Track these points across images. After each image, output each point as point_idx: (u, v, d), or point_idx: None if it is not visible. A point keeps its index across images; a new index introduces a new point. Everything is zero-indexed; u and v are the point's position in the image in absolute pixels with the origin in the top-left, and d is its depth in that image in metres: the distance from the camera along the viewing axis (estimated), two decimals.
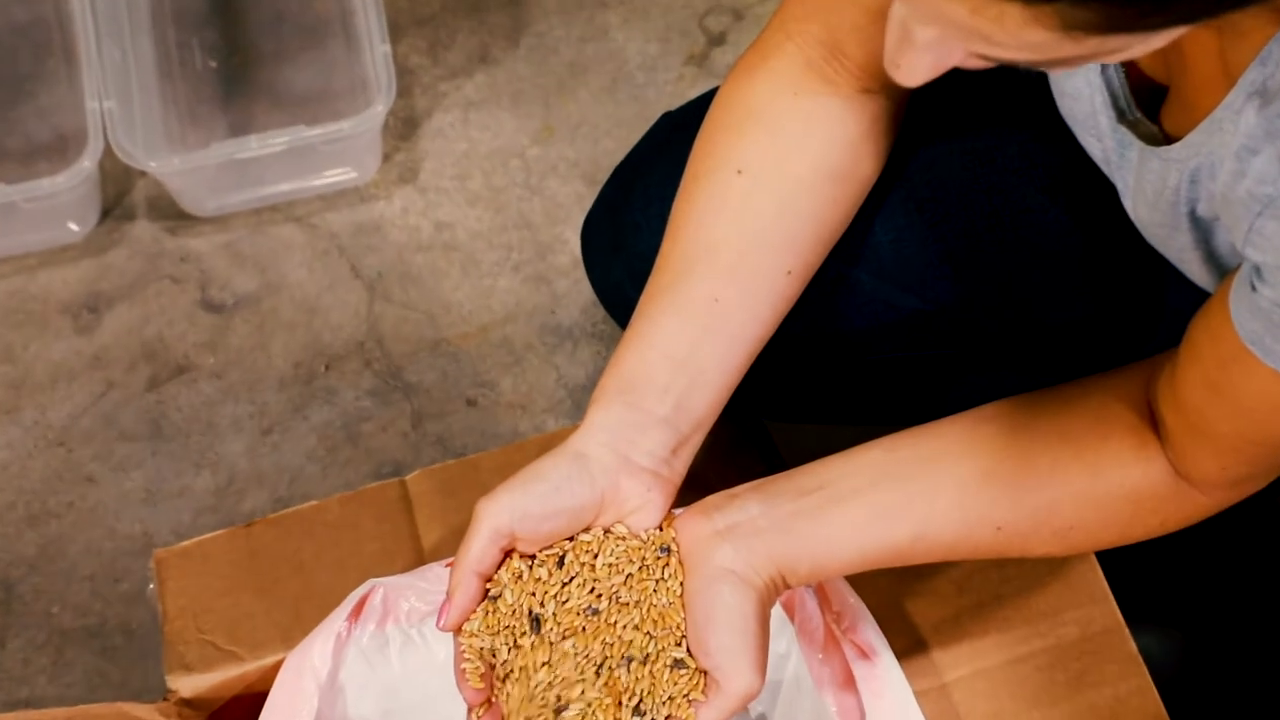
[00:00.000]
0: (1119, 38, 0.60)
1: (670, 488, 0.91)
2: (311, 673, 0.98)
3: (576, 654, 0.86)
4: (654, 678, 0.85)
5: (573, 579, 0.88)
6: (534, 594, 0.87)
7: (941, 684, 1.02)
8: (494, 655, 0.88)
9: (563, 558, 0.88)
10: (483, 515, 0.87)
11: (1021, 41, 0.60)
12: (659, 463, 0.90)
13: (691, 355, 0.91)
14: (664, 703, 0.85)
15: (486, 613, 0.88)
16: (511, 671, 0.87)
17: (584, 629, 0.86)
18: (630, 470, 0.89)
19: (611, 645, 0.86)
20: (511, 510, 0.87)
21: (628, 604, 0.87)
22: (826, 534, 0.89)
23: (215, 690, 1.05)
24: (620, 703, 0.85)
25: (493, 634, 0.88)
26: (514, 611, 0.87)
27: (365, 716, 1.01)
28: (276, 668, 1.00)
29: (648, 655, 0.86)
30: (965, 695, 1.01)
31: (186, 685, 1.05)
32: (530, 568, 0.88)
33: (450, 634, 0.90)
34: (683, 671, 0.85)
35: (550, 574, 0.88)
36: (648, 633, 0.86)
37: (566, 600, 0.87)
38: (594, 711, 0.85)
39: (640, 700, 0.85)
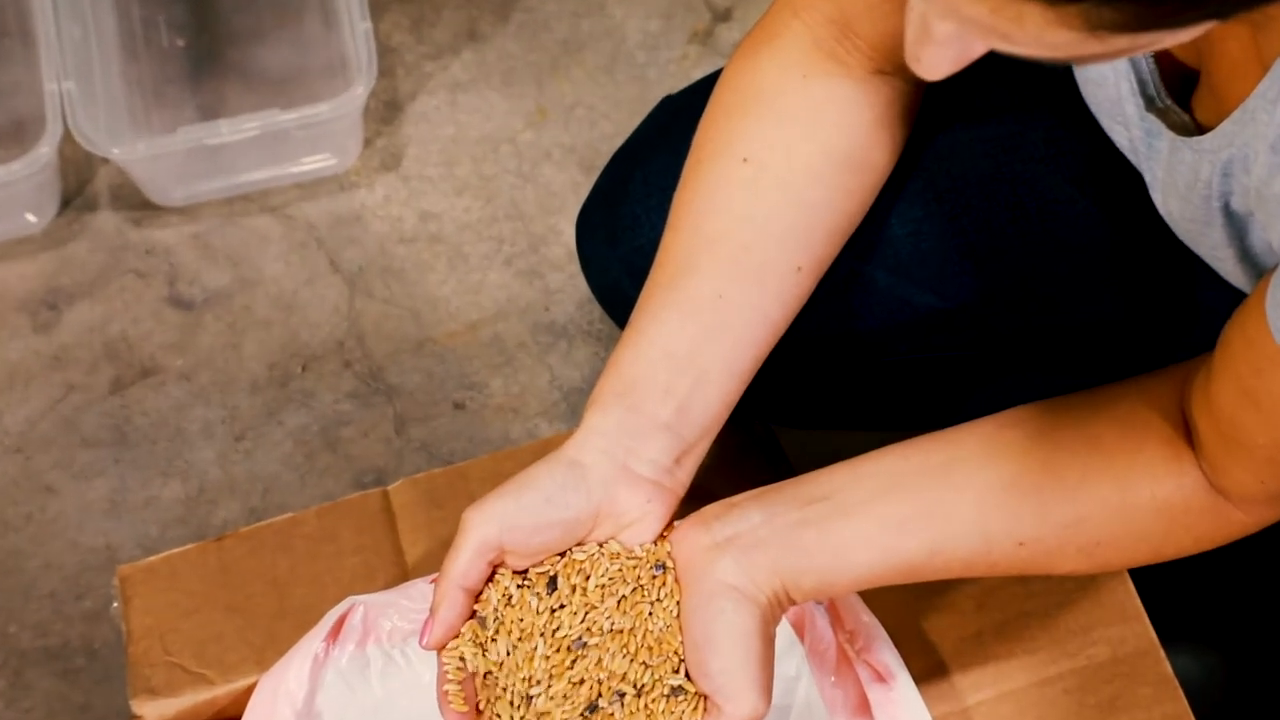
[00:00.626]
0: (1147, 35, 0.60)
1: (672, 499, 0.91)
2: (287, 697, 0.98)
3: (567, 698, 0.86)
4: (649, 710, 0.86)
5: (563, 606, 0.88)
6: (522, 629, 0.88)
7: (963, 708, 1.02)
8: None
9: (554, 579, 0.88)
10: (469, 526, 0.88)
11: (1043, 41, 0.61)
12: (661, 472, 0.90)
13: (695, 355, 0.91)
14: None
15: (475, 633, 0.88)
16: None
17: (574, 664, 0.87)
18: (629, 480, 0.89)
19: (603, 682, 0.87)
20: (500, 521, 0.87)
21: (621, 631, 0.88)
22: (834, 546, 0.89)
23: (183, 715, 1.05)
24: None
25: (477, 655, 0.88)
26: (505, 652, 0.88)
27: None
28: (249, 691, 1.01)
29: (642, 687, 0.86)
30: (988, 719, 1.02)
31: (152, 710, 1.05)
32: (520, 590, 0.88)
33: (434, 653, 0.90)
34: (681, 699, 0.86)
35: (540, 600, 0.88)
36: (643, 662, 0.87)
37: (558, 629, 0.88)
38: None
39: None
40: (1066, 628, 1.04)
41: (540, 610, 0.88)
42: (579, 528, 0.89)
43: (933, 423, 1.16)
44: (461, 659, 0.88)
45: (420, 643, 0.89)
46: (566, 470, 0.89)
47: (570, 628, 0.88)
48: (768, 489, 0.91)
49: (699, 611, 0.87)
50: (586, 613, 0.88)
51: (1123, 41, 0.60)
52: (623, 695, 0.86)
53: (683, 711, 0.86)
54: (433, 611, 0.88)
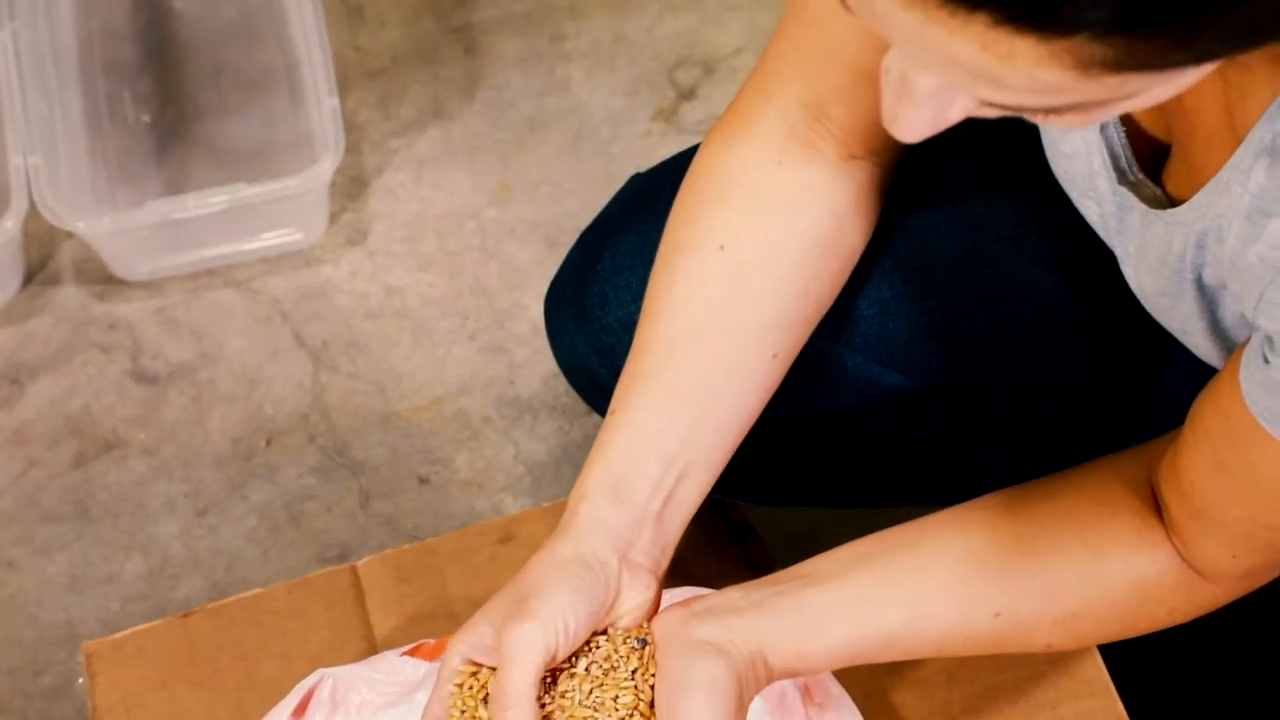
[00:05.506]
0: (1139, 78, 0.60)
1: (660, 586, 0.92)
2: None
3: None
4: None
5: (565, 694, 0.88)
6: None
7: None
8: None
9: (554, 672, 0.89)
10: (529, 641, 0.85)
11: (1033, 82, 0.60)
12: (652, 561, 0.91)
13: (682, 448, 0.92)
14: None
15: None
16: None
17: None
18: (630, 570, 0.90)
19: None
20: (554, 627, 0.85)
21: (599, 706, 0.87)
22: (812, 612, 0.89)
23: None
24: None
25: None
26: None
27: None
28: None
29: None
30: None
31: None
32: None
33: None
34: None
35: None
36: None
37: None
38: None
39: None
40: (1035, 701, 1.04)
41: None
42: (601, 620, 0.89)
43: (906, 498, 1.17)
44: None
45: None
46: (591, 564, 0.88)
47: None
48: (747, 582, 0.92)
49: (674, 665, 0.86)
50: (579, 693, 0.88)
51: (1113, 82, 0.60)
52: None
53: None
54: None
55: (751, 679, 0.88)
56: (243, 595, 1.12)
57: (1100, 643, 1.03)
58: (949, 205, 1.05)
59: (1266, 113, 0.74)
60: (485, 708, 0.87)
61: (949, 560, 0.90)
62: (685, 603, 0.90)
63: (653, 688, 0.88)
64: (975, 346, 1.05)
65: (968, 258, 1.05)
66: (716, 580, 0.96)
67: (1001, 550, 0.90)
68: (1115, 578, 0.90)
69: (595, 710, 0.87)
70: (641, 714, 0.87)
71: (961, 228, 1.05)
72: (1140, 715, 1.05)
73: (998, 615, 0.90)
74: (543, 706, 0.87)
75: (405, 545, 1.15)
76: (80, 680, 1.10)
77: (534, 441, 1.53)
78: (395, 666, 1.02)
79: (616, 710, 0.86)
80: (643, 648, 0.89)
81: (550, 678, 0.88)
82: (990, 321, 1.05)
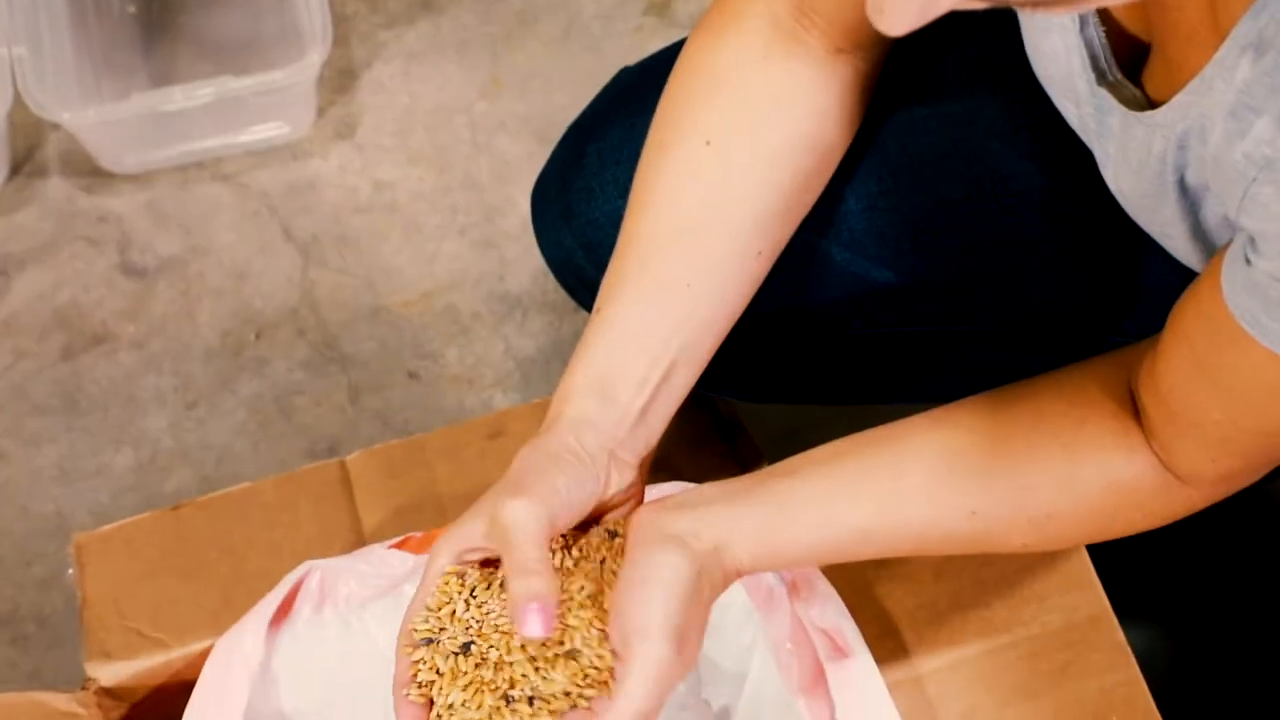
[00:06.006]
0: None
1: (643, 480, 0.92)
2: (242, 660, 0.98)
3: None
4: (543, 671, 0.86)
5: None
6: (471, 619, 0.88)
7: (916, 676, 1.03)
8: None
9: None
10: (526, 518, 0.84)
11: None
12: (636, 458, 0.91)
13: (666, 346, 0.92)
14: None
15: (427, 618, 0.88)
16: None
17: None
18: (618, 467, 0.90)
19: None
20: (551, 508, 0.86)
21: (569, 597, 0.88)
22: (782, 505, 0.89)
23: (138, 679, 1.05)
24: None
25: (431, 643, 0.88)
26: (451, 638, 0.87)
27: (300, 709, 1.02)
28: (204, 655, 1.01)
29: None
30: (940, 688, 1.03)
31: (107, 673, 1.05)
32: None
33: (390, 617, 0.89)
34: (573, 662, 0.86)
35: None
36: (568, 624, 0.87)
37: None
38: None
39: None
40: (1021, 595, 1.05)
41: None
42: (587, 511, 0.90)
43: (892, 395, 1.17)
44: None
45: (530, 633, 0.83)
46: (579, 454, 0.89)
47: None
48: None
49: (636, 558, 0.86)
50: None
51: None
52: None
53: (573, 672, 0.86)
54: (535, 601, 0.82)
55: (716, 572, 0.88)
56: (231, 489, 1.12)
57: (1075, 545, 1.04)
58: (938, 101, 1.05)
59: (1251, 7, 0.73)
60: (471, 609, 0.87)
61: (925, 459, 0.90)
62: (663, 499, 0.91)
63: (604, 571, 0.88)
64: (962, 242, 1.05)
65: (956, 153, 1.05)
66: (704, 476, 0.96)
67: (978, 450, 0.90)
68: (1091, 479, 0.90)
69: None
70: (598, 604, 0.87)
71: (950, 123, 1.05)
72: (1123, 608, 1.06)
73: (973, 514, 0.90)
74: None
75: (394, 440, 1.15)
76: (70, 571, 1.10)
77: (524, 338, 1.53)
78: (383, 559, 1.02)
79: (574, 598, 0.86)
80: (612, 539, 0.90)
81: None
82: (977, 217, 1.05)
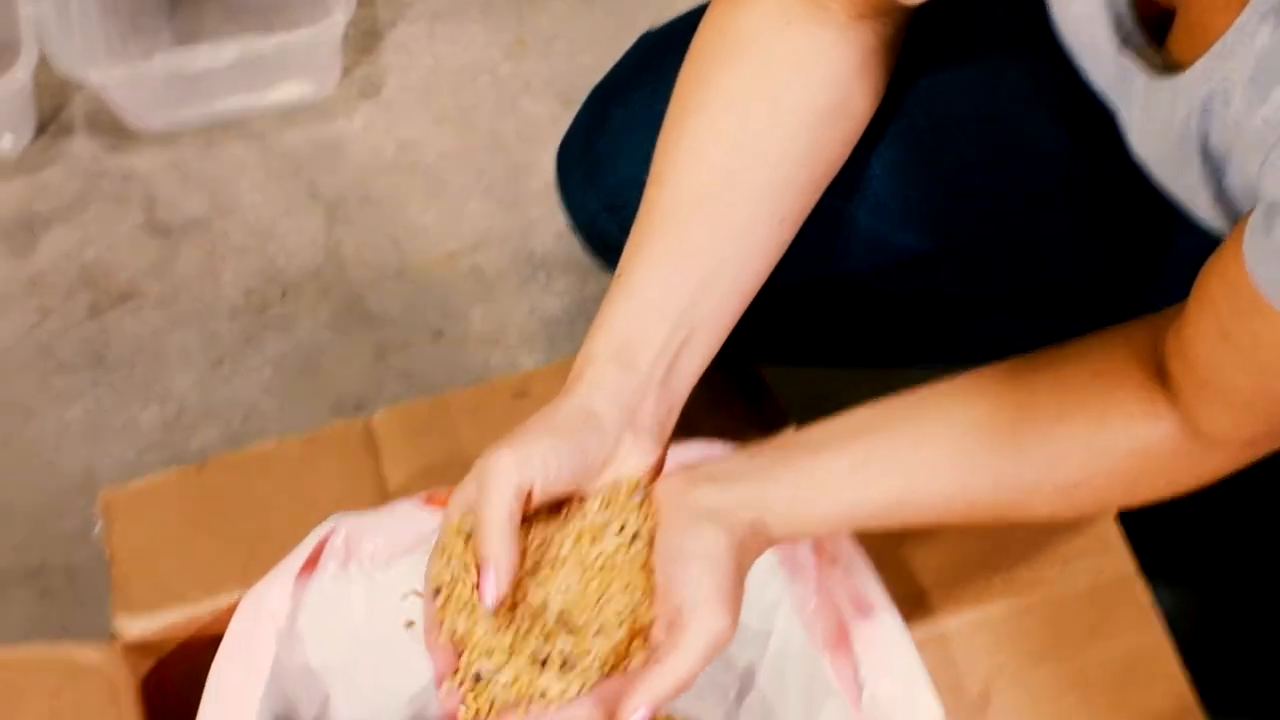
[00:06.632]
0: None
1: (664, 449, 0.92)
2: (269, 615, 0.98)
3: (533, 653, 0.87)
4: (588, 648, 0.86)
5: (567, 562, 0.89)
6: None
7: (941, 635, 1.03)
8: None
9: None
10: (505, 469, 0.85)
11: None
12: (657, 425, 0.91)
13: (687, 313, 0.91)
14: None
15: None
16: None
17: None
18: (634, 432, 0.90)
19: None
20: (536, 464, 0.85)
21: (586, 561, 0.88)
22: (811, 478, 0.90)
23: (165, 633, 1.05)
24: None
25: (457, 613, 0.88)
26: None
27: (327, 664, 1.02)
28: (231, 610, 1.01)
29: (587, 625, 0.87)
30: (966, 647, 1.03)
31: (134, 627, 1.05)
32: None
33: (415, 575, 0.90)
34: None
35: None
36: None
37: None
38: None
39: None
40: (1047, 557, 1.04)
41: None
42: (591, 475, 0.89)
43: (917, 359, 1.16)
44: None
45: (486, 602, 0.85)
46: (587, 418, 0.89)
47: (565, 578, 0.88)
48: (750, 446, 0.92)
49: (673, 532, 0.87)
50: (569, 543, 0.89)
51: None
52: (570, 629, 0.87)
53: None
54: (488, 561, 0.84)
55: (752, 546, 0.88)
56: (257, 447, 1.13)
57: (1101, 512, 1.04)
58: (962, 65, 1.04)
59: None
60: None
61: (950, 429, 0.90)
62: (688, 468, 0.91)
63: (635, 540, 0.88)
64: (987, 206, 1.05)
65: (980, 117, 1.04)
66: (728, 436, 0.96)
67: (1004, 419, 0.90)
68: (1117, 446, 0.89)
69: (582, 562, 0.88)
70: (627, 568, 0.87)
71: (974, 87, 1.04)
72: (1150, 569, 1.06)
73: (999, 484, 0.90)
74: (536, 555, 0.88)
75: (419, 399, 1.15)
76: (98, 526, 1.11)
77: (549, 298, 1.53)
78: (409, 514, 1.03)
79: (596, 561, 0.87)
80: (641, 501, 0.90)
81: (541, 537, 0.88)
82: (1003, 181, 1.05)
